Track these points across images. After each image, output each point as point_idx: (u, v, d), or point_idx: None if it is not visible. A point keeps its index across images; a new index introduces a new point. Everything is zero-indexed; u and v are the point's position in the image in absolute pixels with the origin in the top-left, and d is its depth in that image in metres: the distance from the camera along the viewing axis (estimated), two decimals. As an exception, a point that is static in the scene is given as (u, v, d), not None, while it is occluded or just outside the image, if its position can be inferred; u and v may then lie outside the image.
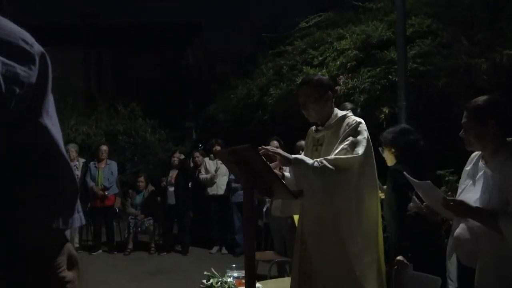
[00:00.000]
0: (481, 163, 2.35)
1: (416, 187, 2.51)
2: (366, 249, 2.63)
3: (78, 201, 1.15)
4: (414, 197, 2.57)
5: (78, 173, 8.04)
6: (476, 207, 2.19)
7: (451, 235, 2.49)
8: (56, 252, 1.08)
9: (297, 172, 2.55)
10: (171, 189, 7.85)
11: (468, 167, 2.47)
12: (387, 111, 5.63)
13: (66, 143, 9.06)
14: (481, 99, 2.31)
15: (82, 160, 8.35)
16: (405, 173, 2.58)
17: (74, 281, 1.12)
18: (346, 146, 2.56)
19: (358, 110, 2.93)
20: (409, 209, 2.64)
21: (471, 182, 2.39)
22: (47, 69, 1.08)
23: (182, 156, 8.23)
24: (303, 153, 3.00)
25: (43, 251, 1.06)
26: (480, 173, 2.34)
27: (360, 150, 2.54)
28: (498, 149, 2.24)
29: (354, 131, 2.60)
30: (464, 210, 2.21)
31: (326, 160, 2.51)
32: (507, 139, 2.26)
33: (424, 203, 2.52)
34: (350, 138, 2.58)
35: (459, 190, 2.49)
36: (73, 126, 11.49)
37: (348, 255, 2.56)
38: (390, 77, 5.76)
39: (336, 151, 2.58)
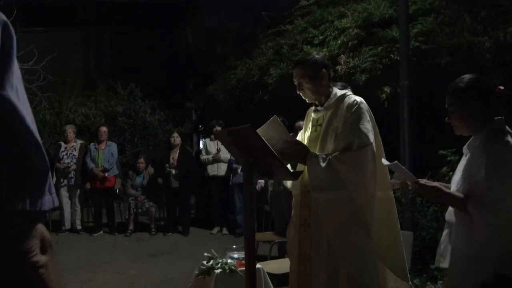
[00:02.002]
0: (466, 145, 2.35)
1: (393, 168, 2.45)
2: (386, 234, 2.63)
3: (51, 181, 1.07)
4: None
5: (75, 154, 8.03)
6: (446, 192, 2.19)
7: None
8: (25, 235, 1.00)
9: (311, 169, 2.55)
10: (174, 172, 7.81)
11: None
12: (388, 91, 5.57)
13: (65, 124, 9.06)
14: (462, 79, 2.25)
15: (80, 142, 8.32)
16: (383, 159, 2.53)
17: (48, 265, 1.04)
18: (353, 136, 2.52)
19: (348, 88, 2.88)
20: (392, 185, 2.59)
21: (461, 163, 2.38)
22: (11, 40, 0.99)
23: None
24: (301, 133, 2.97)
25: (8, 235, 0.98)
26: (464, 155, 2.33)
27: (369, 138, 2.50)
28: (479, 129, 2.20)
29: (357, 114, 2.55)
30: (435, 194, 2.22)
31: (338, 158, 2.49)
32: (496, 118, 2.21)
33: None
34: (356, 125, 2.53)
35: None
36: (72, 107, 11.42)
37: (370, 241, 2.55)
38: (392, 56, 5.69)
39: (343, 143, 2.54)
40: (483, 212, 2.03)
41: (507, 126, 2.19)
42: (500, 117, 2.21)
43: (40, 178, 1.03)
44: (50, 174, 1.07)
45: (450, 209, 2.34)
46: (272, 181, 6.04)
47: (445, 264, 2.49)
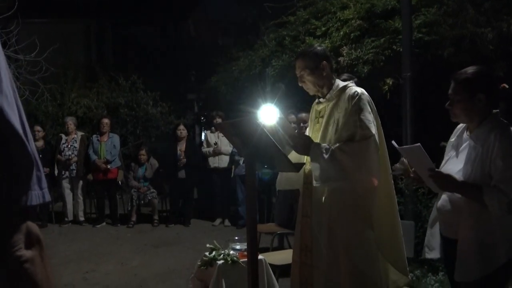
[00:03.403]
0: (465, 135, 2.35)
1: (404, 153, 2.46)
2: (386, 227, 2.65)
3: (41, 177, 1.06)
4: (403, 158, 2.52)
5: (76, 146, 8.05)
6: (461, 181, 2.19)
7: (434, 206, 2.51)
8: (10, 230, 1.00)
9: (313, 160, 2.55)
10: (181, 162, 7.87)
11: (452, 139, 2.47)
12: (391, 83, 5.55)
13: (68, 116, 9.07)
14: (470, 71, 2.26)
15: (80, 133, 8.34)
16: (393, 141, 2.54)
17: (34, 260, 1.04)
18: (355, 127, 2.52)
19: (355, 80, 2.88)
20: (394, 170, 2.59)
21: (454, 153, 2.38)
22: None
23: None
24: (309, 127, 2.96)
25: None
26: (464, 145, 2.33)
27: (371, 129, 2.50)
28: (483, 120, 2.23)
29: (358, 106, 2.55)
30: (449, 183, 2.21)
31: (341, 149, 2.49)
32: (493, 110, 2.25)
33: (413, 169, 2.48)
34: (357, 117, 2.53)
35: (443, 162, 2.48)
36: (74, 99, 11.41)
37: (372, 232, 2.56)
38: (395, 47, 5.66)
39: (345, 134, 2.53)
40: (504, 201, 2.04)
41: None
42: (497, 110, 2.25)
43: (23, 173, 1.02)
44: (39, 169, 1.06)
45: (444, 197, 2.34)
46: None
47: (432, 254, 2.50)
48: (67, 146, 8.05)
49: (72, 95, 11.49)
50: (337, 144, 2.51)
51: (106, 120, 8.23)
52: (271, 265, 3.87)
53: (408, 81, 4.89)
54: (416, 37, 5.41)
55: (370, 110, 2.56)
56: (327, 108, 2.70)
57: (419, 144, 2.27)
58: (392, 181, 2.73)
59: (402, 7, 5.13)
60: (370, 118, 2.53)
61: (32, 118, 10.49)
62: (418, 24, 5.58)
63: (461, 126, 2.44)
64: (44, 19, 14.60)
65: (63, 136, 8.22)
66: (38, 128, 8.14)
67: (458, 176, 2.22)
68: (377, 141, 2.52)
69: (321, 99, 2.77)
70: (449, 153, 2.44)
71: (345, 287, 2.53)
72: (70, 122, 8.26)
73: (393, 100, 5.36)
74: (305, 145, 2.57)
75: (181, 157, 7.84)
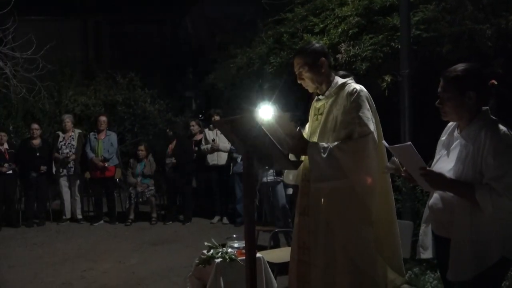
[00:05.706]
0: (456, 133, 2.32)
1: (395, 152, 2.42)
2: (383, 226, 2.63)
3: None
4: (394, 157, 2.49)
5: (74, 143, 8.04)
6: (452, 180, 2.18)
7: (427, 204, 2.48)
8: None
9: (311, 160, 2.52)
10: (169, 160, 7.88)
11: (443, 137, 2.44)
12: (389, 80, 5.53)
13: (65, 114, 9.04)
14: (460, 68, 2.23)
15: (77, 131, 8.32)
16: (383, 141, 2.51)
17: None
18: (353, 124, 2.50)
19: (351, 77, 2.85)
20: (386, 169, 2.57)
21: (445, 152, 2.35)
22: None
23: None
24: (308, 125, 2.94)
25: None
26: (455, 143, 2.30)
27: (370, 126, 2.48)
28: (473, 118, 2.21)
29: (357, 103, 2.53)
30: (441, 182, 2.19)
31: (339, 147, 2.46)
32: (483, 108, 2.23)
33: (404, 168, 2.45)
34: (356, 114, 2.50)
35: (434, 160, 2.45)
36: (71, 97, 11.38)
37: (372, 230, 2.55)
38: (393, 44, 5.64)
39: (344, 132, 2.51)
40: (496, 199, 2.03)
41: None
42: (487, 108, 2.23)
43: None
44: None
45: (436, 195, 2.33)
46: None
47: (426, 254, 2.49)
48: (64, 144, 8.03)
49: (69, 93, 11.46)
50: (335, 143, 2.49)
51: (103, 118, 8.21)
52: (269, 263, 3.86)
53: (407, 78, 4.88)
54: (415, 34, 5.39)
55: (369, 107, 2.54)
56: (326, 105, 2.68)
57: (410, 143, 2.26)
58: (390, 179, 2.71)
59: (401, 4, 5.11)
60: (369, 115, 2.51)
61: (29, 116, 10.48)
62: (417, 21, 5.56)
63: (451, 124, 2.42)
64: (41, 16, 14.55)
65: (61, 134, 8.19)
66: (35, 126, 8.11)
67: (450, 175, 2.20)
68: (376, 138, 2.50)
69: (320, 96, 2.75)
70: (440, 151, 2.42)
71: (343, 285, 2.52)
72: (68, 119, 8.25)
73: (392, 97, 5.35)
74: (302, 147, 2.54)
75: (168, 154, 7.94)
